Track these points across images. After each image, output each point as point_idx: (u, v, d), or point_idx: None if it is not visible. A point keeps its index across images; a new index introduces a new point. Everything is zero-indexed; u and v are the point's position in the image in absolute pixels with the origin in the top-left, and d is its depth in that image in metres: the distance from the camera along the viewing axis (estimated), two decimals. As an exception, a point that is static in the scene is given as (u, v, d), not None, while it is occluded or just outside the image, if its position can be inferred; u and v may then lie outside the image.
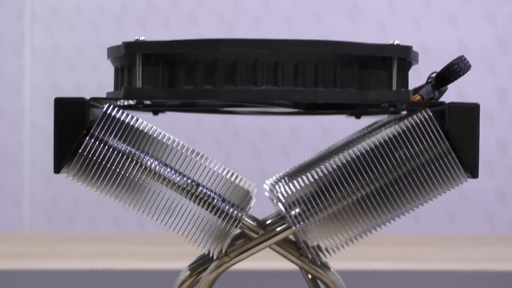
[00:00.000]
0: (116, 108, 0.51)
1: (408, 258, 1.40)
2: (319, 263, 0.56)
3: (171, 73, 0.52)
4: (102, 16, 2.08)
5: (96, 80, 2.04)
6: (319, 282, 0.65)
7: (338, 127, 0.61)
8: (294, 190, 0.52)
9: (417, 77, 0.58)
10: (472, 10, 2.06)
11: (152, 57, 0.52)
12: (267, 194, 0.62)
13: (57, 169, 0.51)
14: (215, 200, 0.52)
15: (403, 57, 0.53)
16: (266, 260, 1.27)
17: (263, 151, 2.04)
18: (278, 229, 0.54)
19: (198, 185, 0.52)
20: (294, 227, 0.52)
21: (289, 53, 0.50)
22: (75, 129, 0.51)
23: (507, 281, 1.16)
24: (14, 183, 2.13)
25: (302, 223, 0.52)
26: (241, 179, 0.54)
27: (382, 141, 0.51)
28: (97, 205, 2.07)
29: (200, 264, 0.58)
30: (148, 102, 0.54)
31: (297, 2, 2.11)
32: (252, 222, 0.55)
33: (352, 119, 0.66)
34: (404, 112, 0.55)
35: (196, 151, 0.53)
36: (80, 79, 2.11)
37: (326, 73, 0.51)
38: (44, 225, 2.10)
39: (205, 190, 0.52)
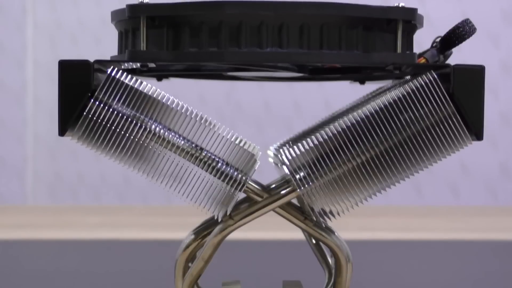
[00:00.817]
0: (121, 71, 0.51)
1: (412, 228, 1.40)
2: (323, 225, 0.56)
3: (175, 35, 0.52)
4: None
5: (99, 54, 2.03)
6: (323, 247, 0.66)
7: (342, 101, 0.60)
8: (298, 152, 0.52)
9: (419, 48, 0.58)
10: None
11: (157, 19, 0.52)
12: (271, 159, 0.62)
13: (62, 131, 0.51)
14: (219, 164, 0.52)
15: (408, 19, 0.53)
16: (270, 230, 1.29)
17: (266, 125, 2.04)
18: (283, 192, 0.54)
19: (202, 149, 0.52)
20: (298, 190, 0.52)
21: (294, 15, 0.50)
22: (79, 91, 0.51)
23: (510, 249, 1.16)
24: (17, 157, 2.14)
25: (306, 185, 0.52)
26: (246, 142, 0.54)
27: (387, 103, 0.51)
28: (100, 179, 2.08)
29: (205, 228, 0.58)
30: (152, 65, 0.54)
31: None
32: (256, 186, 0.55)
33: (356, 89, 0.66)
34: (408, 77, 0.54)
35: (200, 114, 0.53)
36: (83, 53, 2.10)
37: (331, 35, 0.51)
38: (47, 199, 2.11)
39: (209, 154, 0.52)
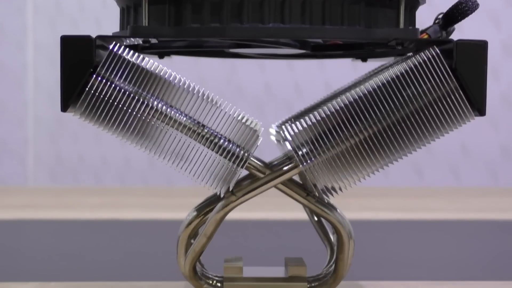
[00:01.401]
0: (123, 47, 0.51)
1: (413, 209, 1.40)
2: (326, 201, 0.56)
3: (177, 11, 0.52)
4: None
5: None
6: (325, 224, 0.66)
7: (343, 83, 0.60)
8: (300, 128, 0.52)
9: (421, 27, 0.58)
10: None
11: None
12: (273, 137, 0.62)
13: (64, 107, 0.51)
14: (222, 141, 0.52)
15: None
16: (273, 210, 1.29)
17: (267, 106, 2.04)
18: (285, 168, 0.55)
19: (204, 126, 0.52)
20: (301, 166, 0.53)
21: None
22: (81, 68, 0.51)
23: (510, 229, 1.17)
24: (18, 140, 2.13)
25: (309, 161, 0.52)
26: (248, 119, 0.54)
27: (389, 79, 0.52)
28: (101, 162, 2.08)
29: (207, 205, 0.58)
30: (154, 41, 0.54)
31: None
32: (258, 163, 0.55)
33: (357, 70, 0.66)
34: (411, 54, 0.54)
35: (202, 91, 0.53)
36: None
37: (333, 10, 0.51)
38: (48, 181, 2.11)
39: (211, 131, 0.53)
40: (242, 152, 0.53)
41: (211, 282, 0.60)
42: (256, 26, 0.50)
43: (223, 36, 0.51)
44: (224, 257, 0.63)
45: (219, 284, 0.60)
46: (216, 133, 0.53)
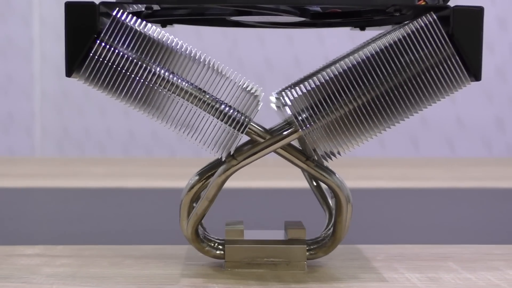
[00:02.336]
0: (126, 13, 0.51)
1: (410, 178, 1.41)
2: (325, 164, 0.56)
3: None
4: None
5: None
6: (323, 189, 0.66)
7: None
8: (300, 93, 0.52)
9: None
10: None
11: None
12: (273, 105, 0.62)
13: (69, 72, 0.51)
14: (223, 106, 0.52)
15: None
16: (272, 179, 1.29)
17: (268, 81, 2.03)
18: (285, 133, 0.54)
19: (205, 92, 0.52)
20: (301, 130, 0.52)
21: None
22: (85, 33, 0.51)
23: (504, 196, 1.17)
24: (25, 113, 2.13)
25: (308, 126, 0.52)
26: (249, 85, 0.53)
27: (387, 45, 0.51)
28: (106, 133, 2.08)
29: (209, 170, 0.58)
30: (157, 7, 0.53)
31: None
32: (259, 128, 0.55)
33: (355, 42, 0.65)
34: (408, 21, 0.54)
35: (204, 56, 0.52)
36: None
37: None
38: (55, 152, 2.11)
39: (213, 97, 0.52)
40: (242, 117, 0.53)
41: (212, 244, 0.60)
42: None
43: (225, 2, 0.51)
44: (226, 221, 0.63)
45: (220, 247, 0.60)
46: (217, 99, 0.52)
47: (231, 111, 0.52)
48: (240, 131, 0.53)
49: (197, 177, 0.59)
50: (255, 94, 0.53)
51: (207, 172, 0.58)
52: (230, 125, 0.52)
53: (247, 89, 0.53)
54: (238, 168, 0.56)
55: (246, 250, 0.59)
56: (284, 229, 0.62)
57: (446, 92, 0.52)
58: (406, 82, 0.51)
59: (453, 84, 0.51)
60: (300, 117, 0.52)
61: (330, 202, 0.64)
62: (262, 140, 0.55)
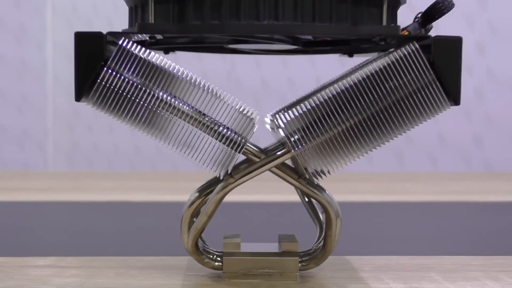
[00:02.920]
0: (131, 42, 0.51)
1: (395, 192, 1.41)
2: (315, 182, 0.56)
3: (180, 9, 0.51)
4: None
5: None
6: (315, 204, 0.66)
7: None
8: (293, 116, 0.52)
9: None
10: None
11: None
12: (268, 126, 0.62)
13: (78, 97, 0.51)
14: (221, 128, 0.52)
15: None
16: (267, 193, 1.29)
17: (263, 100, 2.04)
18: (278, 153, 0.54)
19: (205, 115, 0.52)
20: (293, 151, 0.52)
21: None
22: (93, 60, 0.51)
23: (482, 209, 1.17)
24: (39, 129, 2.14)
25: (300, 146, 0.52)
26: (245, 108, 0.53)
27: (373, 71, 0.51)
28: (113, 149, 2.09)
29: (208, 187, 0.58)
30: (160, 37, 0.53)
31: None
32: (255, 148, 0.55)
33: (345, 65, 0.65)
34: (393, 49, 0.54)
35: (203, 82, 0.52)
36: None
37: (322, 8, 0.51)
38: (66, 166, 2.12)
39: (212, 120, 0.52)
40: (239, 138, 0.53)
41: (211, 256, 0.60)
42: (252, 23, 0.50)
43: (222, 32, 0.51)
44: (223, 234, 0.63)
45: (219, 258, 0.60)
46: (216, 122, 0.52)
47: (229, 132, 0.52)
48: (237, 151, 0.52)
49: (197, 194, 0.58)
50: (251, 117, 0.53)
51: (206, 189, 0.58)
52: (227, 146, 0.52)
53: (244, 112, 0.53)
54: (235, 186, 0.56)
55: (242, 262, 0.59)
56: (278, 242, 0.62)
57: (428, 115, 0.52)
58: (390, 106, 0.51)
59: (435, 108, 0.52)
60: (293, 138, 0.52)
61: (320, 216, 0.64)
62: (257, 160, 0.55)
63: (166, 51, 0.62)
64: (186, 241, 0.58)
